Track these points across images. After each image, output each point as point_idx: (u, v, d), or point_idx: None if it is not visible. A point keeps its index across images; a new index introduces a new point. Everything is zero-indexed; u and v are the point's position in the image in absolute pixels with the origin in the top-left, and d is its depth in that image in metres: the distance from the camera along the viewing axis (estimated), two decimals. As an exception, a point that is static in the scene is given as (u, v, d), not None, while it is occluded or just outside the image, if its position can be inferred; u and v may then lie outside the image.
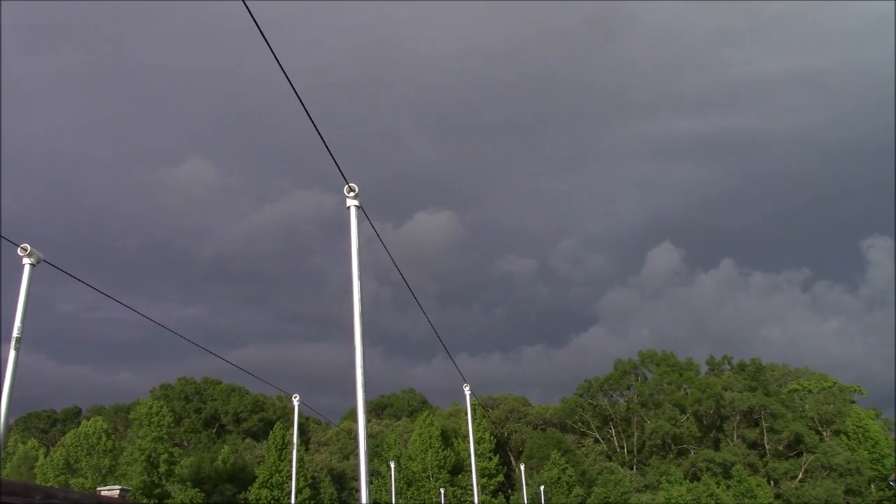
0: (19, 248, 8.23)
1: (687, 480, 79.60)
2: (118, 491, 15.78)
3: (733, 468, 79.12)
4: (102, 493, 15.34)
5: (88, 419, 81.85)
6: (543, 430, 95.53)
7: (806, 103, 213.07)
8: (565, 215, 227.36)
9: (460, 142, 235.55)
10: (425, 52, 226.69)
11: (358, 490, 7.46)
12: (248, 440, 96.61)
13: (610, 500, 78.69)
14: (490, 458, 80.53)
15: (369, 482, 7.07)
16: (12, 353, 8.01)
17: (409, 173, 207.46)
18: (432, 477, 77.38)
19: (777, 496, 79.78)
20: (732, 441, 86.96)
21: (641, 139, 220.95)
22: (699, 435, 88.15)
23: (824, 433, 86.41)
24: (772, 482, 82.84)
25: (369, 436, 7.81)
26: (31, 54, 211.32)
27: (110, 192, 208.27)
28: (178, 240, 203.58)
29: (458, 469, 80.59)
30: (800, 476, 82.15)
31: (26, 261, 8.14)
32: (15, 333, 7.97)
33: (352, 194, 7.59)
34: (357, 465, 7.12)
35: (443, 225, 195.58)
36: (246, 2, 6.51)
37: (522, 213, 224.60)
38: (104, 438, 73.59)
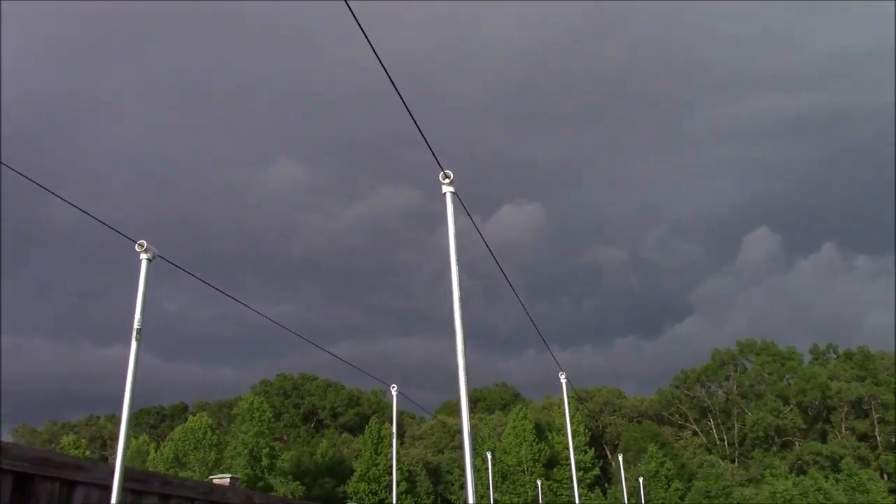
0: (136, 245, 8.71)
1: (793, 474, 76.80)
2: (228, 479, 16.46)
3: (842, 461, 75.84)
4: (214, 481, 16.01)
5: (194, 415, 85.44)
6: (639, 422, 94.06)
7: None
8: (654, 202, 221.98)
9: (543, 131, 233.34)
10: (500, 43, 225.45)
11: (463, 484, 7.60)
12: (345, 434, 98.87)
13: (711, 494, 76.78)
14: (585, 452, 79.88)
15: (474, 476, 7.18)
16: (133, 344, 8.49)
17: (494, 166, 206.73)
18: (527, 470, 77.33)
19: (892, 491, 76.03)
20: (841, 433, 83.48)
21: (729, 119, 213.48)
22: (804, 427, 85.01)
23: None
24: (885, 476, 79.03)
25: (460, 431, 7.92)
26: (123, 62, 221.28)
27: (204, 195, 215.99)
28: (270, 239, 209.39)
29: (554, 462, 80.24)
30: (916, 469, 78.27)
31: (143, 256, 8.61)
32: (136, 325, 8.45)
33: (447, 181, 7.70)
34: (462, 456, 7.24)
35: (529, 217, 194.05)
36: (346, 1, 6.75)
37: (609, 202, 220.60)
38: (209, 433, 76.65)
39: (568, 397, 16.12)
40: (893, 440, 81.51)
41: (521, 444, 78.62)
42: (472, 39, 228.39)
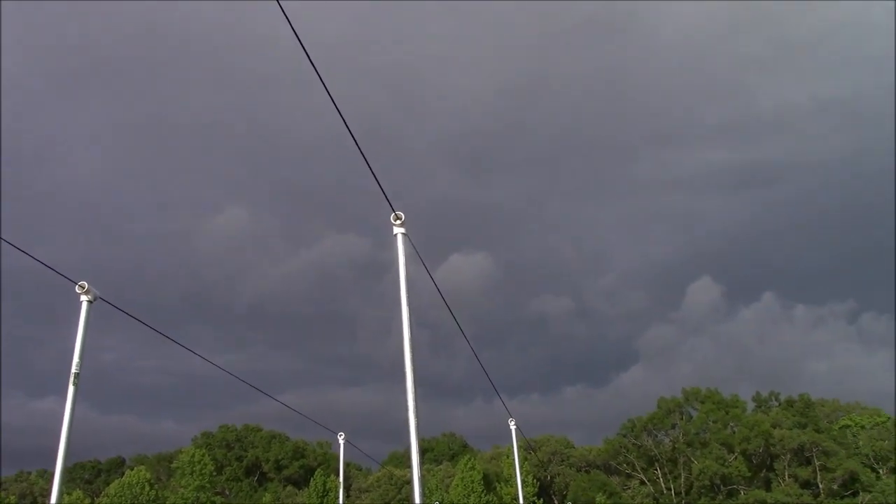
0: (77, 286, 8.48)
1: (738, 522, 77.36)
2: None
3: (786, 509, 76.77)
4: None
5: (132, 469, 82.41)
6: (587, 472, 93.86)
7: (838, 130, 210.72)
8: (600, 250, 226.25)
9: (489, 180, 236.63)
10: (453, 89, 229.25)
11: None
12: (289, 488, 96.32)
13: (659, 543, 76.78)
14: (534, 503, 79.21)
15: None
16: (71, 389, 8.21)
17: (442, 215, 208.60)
18: (476, 522, 76.23)
19: (834, 537, 77.10)
20: (784, 481, 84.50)
21: (671, 170, 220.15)
22: (749, 475, 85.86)
23: (881, 471, 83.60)
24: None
25: (409, 482, 7.80)
26: (74, 100, 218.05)
27: (151, 241, 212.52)
28: (215, 286, 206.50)
29: (502, 514, 79.33)
30: (857, 516, 79.43)
31: (84, 298, 8.38)
32: (74, 369, 8.18)
33: (398, 222, 7.71)
34: None
35: (477, 266, 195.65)
36: (299, 39, 6.75)
37: (556, 251, 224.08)
38: (147, 488, 73.98)
39: (517, 444, 16.02)
40: (835, 487, 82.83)
41: (470, 495, 77.65)
42: (425, 88, 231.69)
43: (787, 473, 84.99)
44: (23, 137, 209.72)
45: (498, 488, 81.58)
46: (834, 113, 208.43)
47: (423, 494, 7.44)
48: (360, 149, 6.84)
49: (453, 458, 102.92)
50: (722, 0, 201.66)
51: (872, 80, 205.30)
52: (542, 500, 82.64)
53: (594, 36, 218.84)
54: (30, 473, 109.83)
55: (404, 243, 7.66)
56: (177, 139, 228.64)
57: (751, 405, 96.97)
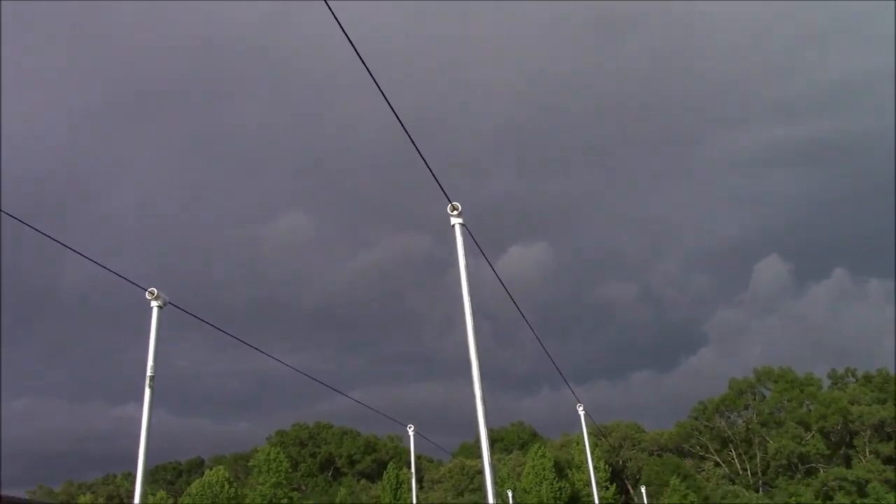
0: (147, 292, 8.71)
1: (819, 501, 75.29)
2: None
3: (869, 486, 74.39)
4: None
5: (211, 469, 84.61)
6: (660, 455, 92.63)
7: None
8: (663, 236, 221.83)
9: (547, 171, 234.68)
10: (501, 86, 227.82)
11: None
12: (362, 481, 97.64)
13: (737, 525, 75.40)
14: (607, 488, 78.59)
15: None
16: (147, 392, 8.44)
17: (500, 208, 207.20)
18: (549, 510, 76.05)
19: (921, 514, 74.38)
20: (865, 457, 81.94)
21: (734, 151, 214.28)
22: (828, 452, 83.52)
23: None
24: (913, 499, 77.36)
25: (481, 472, 7.77)
26: (138, 125, 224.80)
27: (218, 251, 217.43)
28: (282, 291, 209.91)
29: (575, 500, 78.90)
30: (944, 491, 76.56)
31: (154, 303, 8.60)
32: (149, 373, 8.40)
33: (455, 213, 7.69)
34: (484, 496, 7.08)
35: (537, 257, 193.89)
36: (354, 47, 6.79)
37: (618, 238, 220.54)
38: (227, 487, 75.81)
39: (587, 429, 15.90)
40: (920, 462, 80.00)
41: (542, 482, 77.42)
42: (475, 85, 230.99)
43: (867, 450, 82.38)
44: (96, 158, 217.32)
45: (569, 475, 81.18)
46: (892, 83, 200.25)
47: (494, 483, 7.44)
48: (413, 141, 6.86)
49: (523, 446, 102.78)
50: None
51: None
52: (614, 484, 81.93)
53: (646, 20, 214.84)
54: (115, 476, 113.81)
55: (462, 234, 7.65)
56: (239, 151, 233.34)
57: (826, 383, 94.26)
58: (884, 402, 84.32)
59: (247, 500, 74.95)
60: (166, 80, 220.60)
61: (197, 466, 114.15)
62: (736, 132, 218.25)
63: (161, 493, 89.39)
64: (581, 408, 14.77)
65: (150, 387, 8.19)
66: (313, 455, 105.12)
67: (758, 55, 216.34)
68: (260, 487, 74.63)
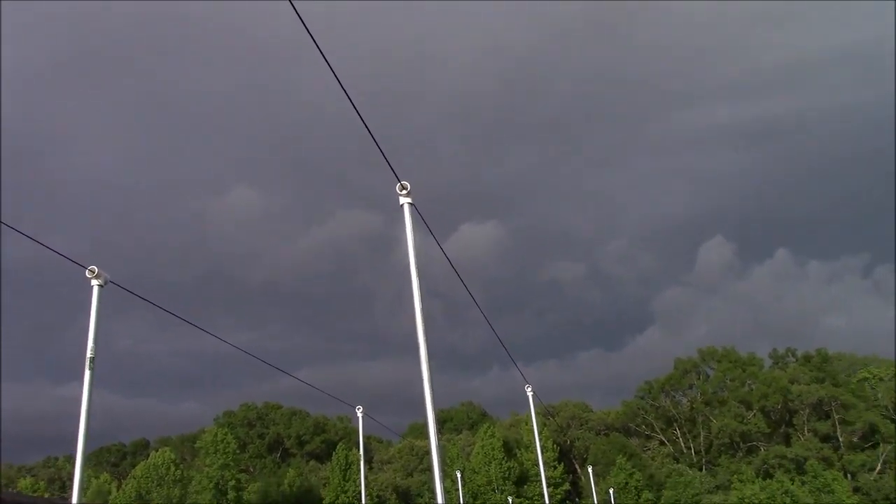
0: (87, 270, 8.49)
1: (759, 478, 77.62)
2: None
3: (807, 463, 76.90)
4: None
5: (156, 450, 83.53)
6: (606, 435, 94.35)
7: (849, 81, 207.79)
8: (611, 215, 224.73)
9: (498, 147, 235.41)
10: (452, 57, 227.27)
11: None
12: (311, 462, 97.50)
13: (681, 502, 77.25)
14: (555, 468, 79.82)
15: (444, 498, 7.06)
16: (87, 374, 8.24)
17: (451, 184, 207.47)
18: (498, 489, 76.97)
19: (856, 490, 77.22)
20: (804, 435, 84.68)
21: (682, 130, 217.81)
22: (768, 431, 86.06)
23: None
24: (849, 476, 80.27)
25: (429, 452, 7.80)
26: (78, 89, 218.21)
27: (162, 224, 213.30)
28: (229, 267, 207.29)
29: (524, 480, 79.98)
30: (878, 468, 79.53)
31: (94, 282, 8.38)
32: (89, 354, 8.21)
33: (404, 192, 7.65)
34: (431, 477, 7.11)
35: (489, 234, 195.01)
36: (298, 13, 6.66)
37: (567, 216, 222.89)
38: (173, 469, 74.98)
39: (535, 410, 16.08)
40: (854, 440, 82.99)
41: (490, 462, 78.30)
42: (428, 60, 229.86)
43: (806, 428, 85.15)
44: (27, 128, 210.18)
45: (518, 454, 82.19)
46: (841, 64, 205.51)
47: (442, 463, 7.46)
48: (361, 118, 6.76)
49: (472, 426, 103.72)
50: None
51: (881, 29, 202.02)
52: (562, 464, 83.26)
53: (609, 12, 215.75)
54: (57, 459, 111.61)
55: (411, 213, 7.61)
56: (183, 121, 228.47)
57: (768, 362, 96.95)
58: (822, 381, 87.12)
59: (193, 482, 74.21)
60: (109, 41, 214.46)
61: (142, 448, 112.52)
62: (685, 110, 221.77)
63: (105, 476, 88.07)
64: (529, 389, 14.94)
65: (91, 368, 8.00)
66: (261, 436, 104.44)
67: (709, 34, 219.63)
68: (207, 469, 73.92)
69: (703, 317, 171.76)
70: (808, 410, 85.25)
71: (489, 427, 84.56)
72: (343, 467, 74.49)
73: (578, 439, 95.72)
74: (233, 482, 73.57)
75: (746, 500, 73.30)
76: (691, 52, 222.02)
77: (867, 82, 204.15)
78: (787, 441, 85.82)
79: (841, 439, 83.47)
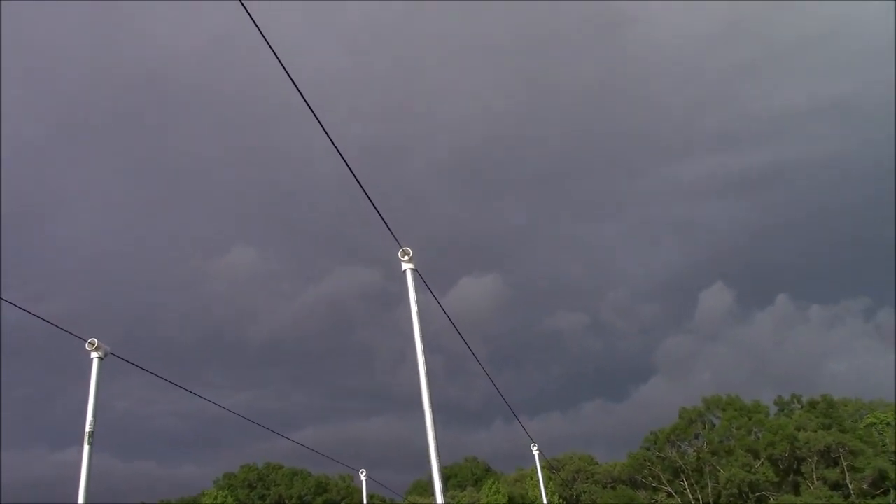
0: (87, 343, 8.40)
1: (770, 529, 76.15)
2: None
3: (817, 512, 75.56)
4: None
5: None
6: (613, 488, 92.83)
7: (839, 127, 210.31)
8: (609, 265, 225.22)
9: (492, 201, 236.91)
10: (442, 113, 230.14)
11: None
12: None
13: (691, 556, 75.75)
14: (562, 523, 78.40)
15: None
16: (86, 449, 8.09)
17: (449, 239, 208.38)
18: (504, 547, 75.45)
19: (868, 538, 75.71)
20: (813, 484, 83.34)
21: (675, 180, 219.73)
22: (777, 480, 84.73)
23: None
24: (860, 524, 78.76)
25: (437, 509, 7.65)
26: (75, 157, 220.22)
27: (162, 285, 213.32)
28: (228, 327, 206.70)
29: (530, 536, 78.50)
30: (890, 515, 78.14)
31: (94, 354, 8.29)
32: (88, 428, 8.07)
33: (406, 258, 7.62)
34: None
35: (488, 287, 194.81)
36: (290, 76, 6.73)
37: (565, 268, 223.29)
38: (172, 533, 73.57)
39: (541, 469, 15.80)
40: (864, 487, 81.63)
41: (496, 519, 76.93)
42: (418, 117, 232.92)
43: (815, 476, 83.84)
44: (26, 194, 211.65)
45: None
46: (834, 111, 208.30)
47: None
48: (362, 187, 6.77)
49: (477, 482, 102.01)
50: (715, 1, 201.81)
51: (871, 76, 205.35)
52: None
53: (588, 50, 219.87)
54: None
55: (414, 278, 7.58)
56: (181, 184, 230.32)
57: (773, 409, 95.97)
58: (828, 427, 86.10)
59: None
60: (106, 109, 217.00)
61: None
62: (677, 161, 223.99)
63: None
64: (535, 447, 14.72)
65: (90, 443, 7.85)
66: (262, 497, 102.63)
67: (697, 84, 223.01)
68: (207, 533, 72.52)
69: (705, 364, 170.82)
70: (816, 458, 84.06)
71: (494, 483, 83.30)
72: (346, 528, 73.13)
73: (585, 493, 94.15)
74: (233, 546, 72.14)
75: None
76: (680, 103, 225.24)
77: (862, 129, 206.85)
78: (797, 490, 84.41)
79: (851, 487, 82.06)
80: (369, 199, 6.94)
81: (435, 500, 7.45)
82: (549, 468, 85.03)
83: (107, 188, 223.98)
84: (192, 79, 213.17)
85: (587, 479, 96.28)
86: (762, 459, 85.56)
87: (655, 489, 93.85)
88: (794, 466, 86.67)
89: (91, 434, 8.09)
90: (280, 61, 7.10)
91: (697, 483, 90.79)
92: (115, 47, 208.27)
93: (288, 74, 7.10)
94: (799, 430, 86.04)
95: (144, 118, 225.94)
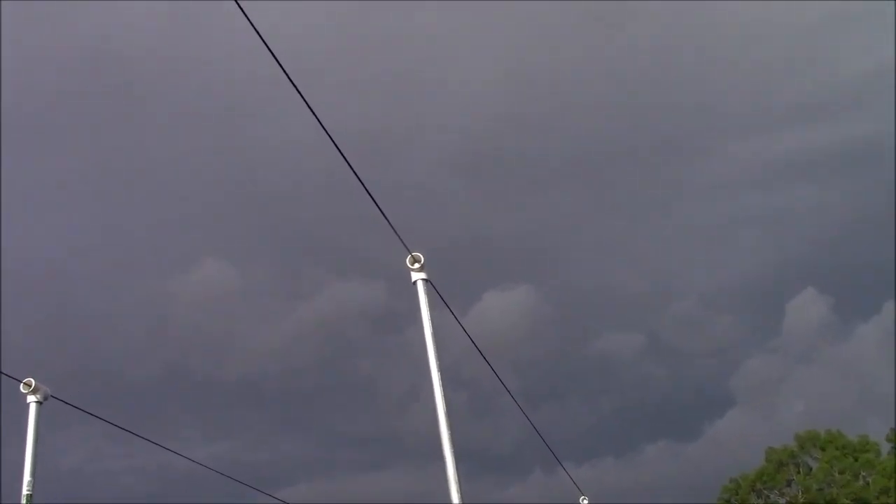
0: (22, 384, 8.46)
1: None
2: None
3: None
4: None
5: None
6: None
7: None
8: (670, 271, 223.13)
9: (515, 195, 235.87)
10: (461, 91, 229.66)
11: None
12: None
13: None
14: None
15: None
16: (24, 515, 8.15)
17: (468, 244, 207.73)
18: None
19: None
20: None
21: (747, 165, 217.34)
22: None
23: None
24: None
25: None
26: (6, 154, 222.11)
27: (114, 311, 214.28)
28: (198, 360, 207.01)
29: None
30: None
31: (31, 398, 8.35)
32: (26, 490, 8.12)
33: (417, 265, 7.56)
34: None
35: (520, 303, 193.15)
36: (278, 60, 6.75)
37: (613, 275, 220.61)
38: None
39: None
40: None
41: None
42: (422, 93, 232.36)
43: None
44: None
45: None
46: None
47: None
48: (359, 178, 6.66)
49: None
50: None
51: None
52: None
53: (637, 15, 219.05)
54: None
55: (426, 290, 7.52)
56: (137, 182, 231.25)
57: (885, 447, 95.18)
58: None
59: None
60: (48, 92, 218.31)
61: None
62: (749, 141, 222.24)
63: None
64: (585, 501, 14.66)
65: (29, 508, 7.90)
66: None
67: (777, 41, 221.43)
68: None
69: (797, 391, 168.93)
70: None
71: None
72: None
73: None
74: None
75: None
76: (752, 72, 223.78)
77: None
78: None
79: None
80: (368, 192, 6.94)
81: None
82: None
83: (43, 188, 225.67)
84: (151, 56, 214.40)
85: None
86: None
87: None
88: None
89: (29, 497, 8.14)
90: (248, 18, 7.11)
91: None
92: (56, 19, 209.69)
93: (260, 36, 7.13)
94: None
95: (95, 104, 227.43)
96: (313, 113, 6.17)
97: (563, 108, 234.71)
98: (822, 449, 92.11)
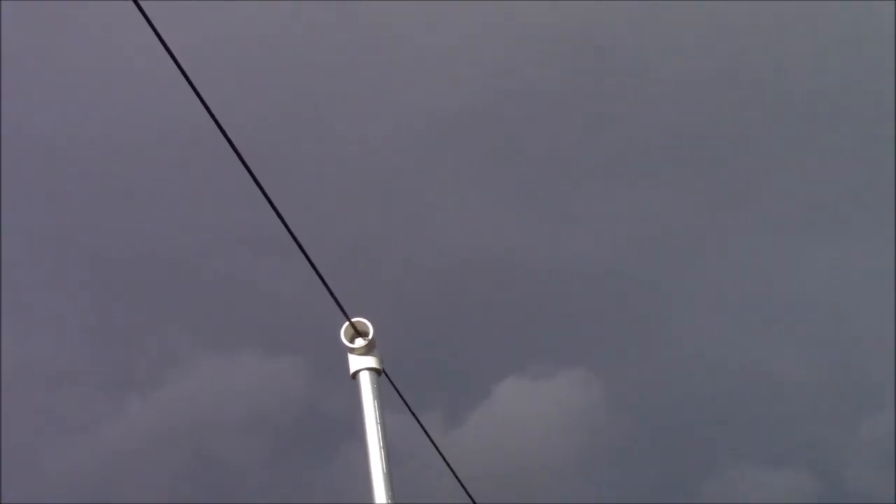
0: None
1: None
2: None
3: None
4: None
5: None
6: None
7: None
8: (846, 345, 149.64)
9: (572, 210, 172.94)
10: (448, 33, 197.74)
11: None
12: None
13: None
14: None
15: None
16: None
17: (467, 290, 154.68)
18: None
19: None
20: None
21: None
22: None
23: None
24: None
25: None
26: None
27: None
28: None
29: None
30: None
31: None
32: None
33: (360, 342, 3.86)
34: None
35: (565, 402, 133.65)
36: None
37: (747, 356, 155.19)
38: None
39: None
40: None
41: None
42: (408, 50, 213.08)
43: None
44: None
45: None
46: None
47: None
48: (252, 175, 3.37)
49: None
50: None
51: None
52: None
53: None
54: None
55: (377, 386, 3.71)
56: None
57: None
58: None
59: None
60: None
61: None
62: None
63: None
64: None
65: None
66: None
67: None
68: None
69: None
70: None
71: None
72: None
73: None
74: None
75: None
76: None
77: None
78: None
79: None
80: (267, 197, 3.61)
81: None
82: None
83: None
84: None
85: None
86: None
87: None
88: None
89: None
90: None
91: None
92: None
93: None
94: None
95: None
96: (228, 138, 3.53)
97: (627, 67, 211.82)
98: None
